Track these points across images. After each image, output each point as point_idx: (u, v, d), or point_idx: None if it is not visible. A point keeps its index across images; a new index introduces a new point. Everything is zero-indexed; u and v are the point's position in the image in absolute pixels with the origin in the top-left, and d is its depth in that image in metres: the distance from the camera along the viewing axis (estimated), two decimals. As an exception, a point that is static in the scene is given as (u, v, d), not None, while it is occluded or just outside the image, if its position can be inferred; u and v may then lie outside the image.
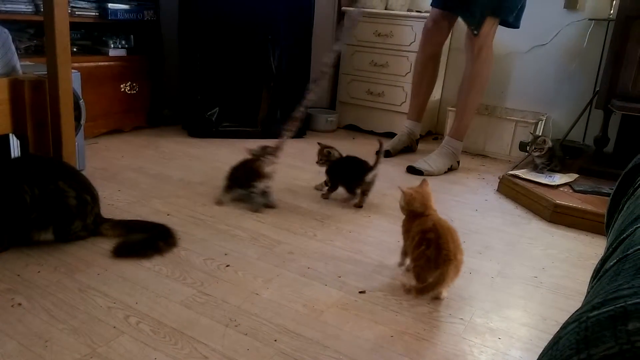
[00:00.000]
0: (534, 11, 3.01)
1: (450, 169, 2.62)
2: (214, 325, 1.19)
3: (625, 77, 2.29)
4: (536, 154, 2.37)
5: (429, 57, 2.74)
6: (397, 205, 2.08)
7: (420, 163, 2.55)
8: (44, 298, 1.25)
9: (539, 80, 3.05)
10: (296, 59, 2.98)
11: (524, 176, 2.28)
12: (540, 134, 2.65)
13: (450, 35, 3.10)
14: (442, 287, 1.33)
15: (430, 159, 2.58)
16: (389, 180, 2.32)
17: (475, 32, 2.45)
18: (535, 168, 2.40)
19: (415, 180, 2.40)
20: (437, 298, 1.36)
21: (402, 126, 2.92)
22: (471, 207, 2.11)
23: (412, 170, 2.54)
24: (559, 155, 2.40)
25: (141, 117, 2.99)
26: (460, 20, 2.60)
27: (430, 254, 1.31)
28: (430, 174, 2.51)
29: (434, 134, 3.38)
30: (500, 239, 1.82)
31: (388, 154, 2.73)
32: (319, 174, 2.15)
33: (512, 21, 2.51)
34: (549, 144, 2.36)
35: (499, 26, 2.49)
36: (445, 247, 1.30)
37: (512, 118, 2.91)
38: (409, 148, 2.90)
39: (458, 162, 2.67)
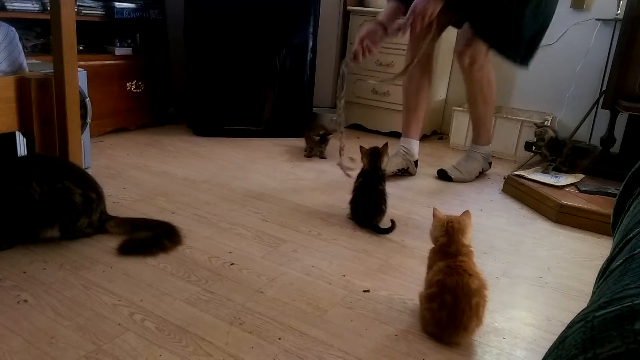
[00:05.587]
0: (540, 11, 3.00)
1: (482, 172, 2.52)
2: (218, 323, 1.19)
3: (632, 77, 2.28)
4: (540, 144, 2.39)
5: (426, 58, 2.34)
6: (402, 205, 2.10)
7: (452, 170, 2.43)
8: (50, 295, 1.25)
9: (545, 80, 3.04)
10: (301, 58, 2.98)
11: (529, 176, 2.27)
12: (542, 121, 2.63)
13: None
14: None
15: (460, 165, 2.47)
16: (395, 184, 2.32)
17: (523, 64, 2.16)
18: (542, 162, 2.39)
19: (443, 185, 2.42)
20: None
21: (397, 145, 2.45)
22: (476, 207, 2.10)
23: (442, 175, 2.43)
24: (567, 153, 2.38)
25: (147, 116, 3.00)
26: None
27: (442, 318, 1.17)
28: (462, 181, 2.42)
29: (439, 134, 3.37)
30: (505, 239, 1.82)
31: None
32: (322, 173, 2.14)
33: (516, 60, 2.17)
34: (551, 133, 2.35)
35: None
36: (460, 317, 1.15)
37: (518, 118, 2.90)
38: (404, 171, 2.42)
39: (490, 164, 2.55)
